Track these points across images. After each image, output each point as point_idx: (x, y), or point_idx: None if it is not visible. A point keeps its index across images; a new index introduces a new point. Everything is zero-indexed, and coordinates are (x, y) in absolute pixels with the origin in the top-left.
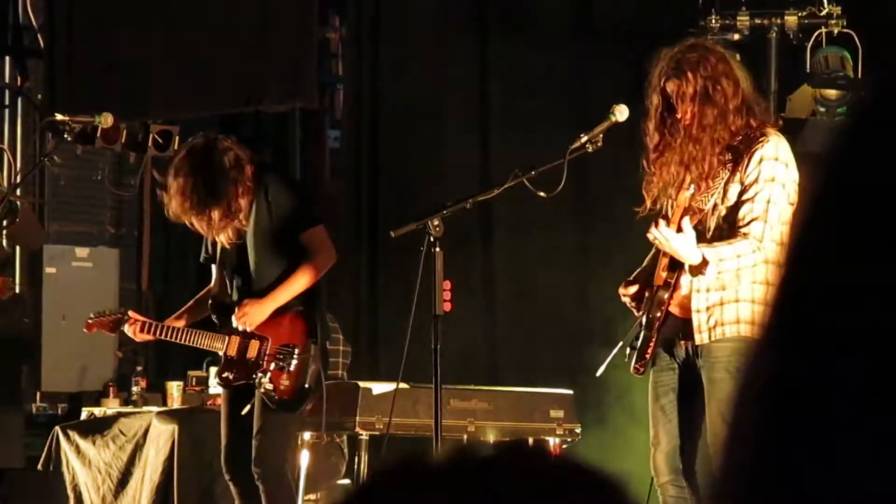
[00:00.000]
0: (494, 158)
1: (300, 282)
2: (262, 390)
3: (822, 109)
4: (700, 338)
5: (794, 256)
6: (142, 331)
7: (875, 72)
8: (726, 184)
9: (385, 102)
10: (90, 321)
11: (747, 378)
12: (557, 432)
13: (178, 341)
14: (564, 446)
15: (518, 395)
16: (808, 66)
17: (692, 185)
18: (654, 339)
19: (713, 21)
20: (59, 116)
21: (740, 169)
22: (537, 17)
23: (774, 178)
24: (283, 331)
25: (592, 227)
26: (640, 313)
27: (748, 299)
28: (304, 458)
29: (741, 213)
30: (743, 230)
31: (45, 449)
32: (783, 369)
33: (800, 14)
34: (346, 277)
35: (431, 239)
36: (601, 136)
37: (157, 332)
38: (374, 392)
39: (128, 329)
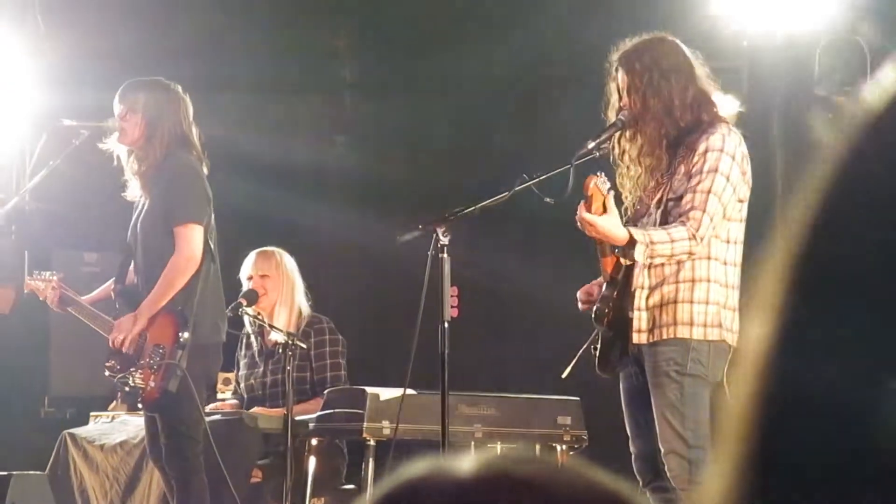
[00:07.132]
0: (502, 163)
1: (167, 288)
2: (130, 387)
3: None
4: (638, 337)
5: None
6: (58, 302)
7: None
8: (672, 178)
9: (389, 106)
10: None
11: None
12: (565, 439)
13: (79, 317)
14: (571, 453)
15: (525, 401)
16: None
17: (601, 172)
18: (601, 337)
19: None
20: (66, 122)
21: (686, 162)
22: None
23: (718, 168)
24: (156, 328)
25: None
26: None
27: (688, 300)
28: (312, 463)
29: (682, 203)
30: (681, 219)
31: (53, 453)
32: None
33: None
34: (353, 284)
35: (438, 244)
36: (608, 141)
37: (67, 305)
38: (382, 397)
39: (49, 299)
